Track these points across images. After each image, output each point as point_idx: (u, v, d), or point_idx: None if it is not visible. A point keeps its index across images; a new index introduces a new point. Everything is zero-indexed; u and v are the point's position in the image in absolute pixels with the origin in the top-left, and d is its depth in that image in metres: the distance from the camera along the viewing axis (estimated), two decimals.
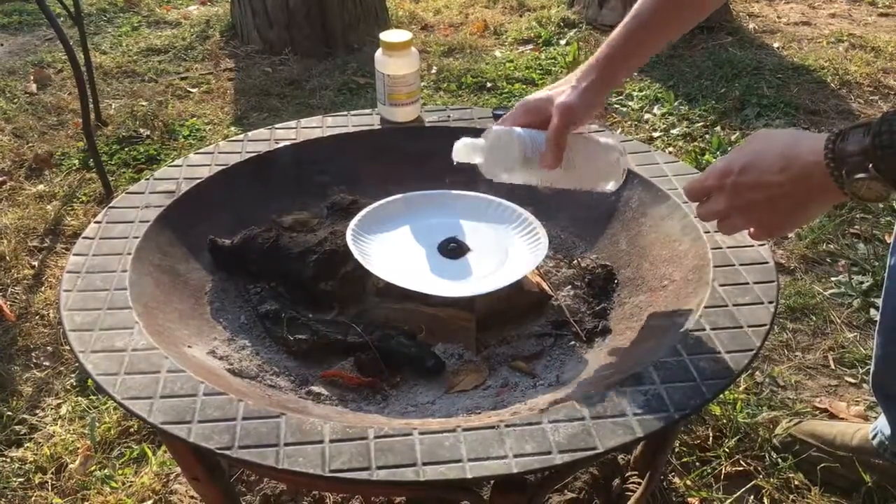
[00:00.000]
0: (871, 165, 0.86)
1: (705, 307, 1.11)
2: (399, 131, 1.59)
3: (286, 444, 0.92)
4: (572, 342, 1.22)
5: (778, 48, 3.63)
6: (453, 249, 1.29)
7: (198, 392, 0.99)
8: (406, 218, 1.36)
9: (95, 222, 1.31)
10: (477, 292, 1.20)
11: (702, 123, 2.99)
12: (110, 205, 1.35)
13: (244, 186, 1.46)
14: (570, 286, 1.32)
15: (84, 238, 1.28)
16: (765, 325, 1.08)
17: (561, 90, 1.18)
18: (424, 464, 0.89)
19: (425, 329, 1.22)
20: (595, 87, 1.17)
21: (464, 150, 1.18)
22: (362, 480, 0.88)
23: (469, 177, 1.52)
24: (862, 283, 2.14)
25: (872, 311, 2.05)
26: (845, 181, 0.88)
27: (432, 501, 1.39)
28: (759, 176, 0.95)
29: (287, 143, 1.53)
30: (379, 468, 0.89)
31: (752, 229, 1.02)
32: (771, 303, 1.12)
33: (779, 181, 0.94)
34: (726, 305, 1.12)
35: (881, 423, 1.54)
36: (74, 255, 1.24)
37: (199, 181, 1.41)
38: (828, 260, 2.26)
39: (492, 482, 0.96)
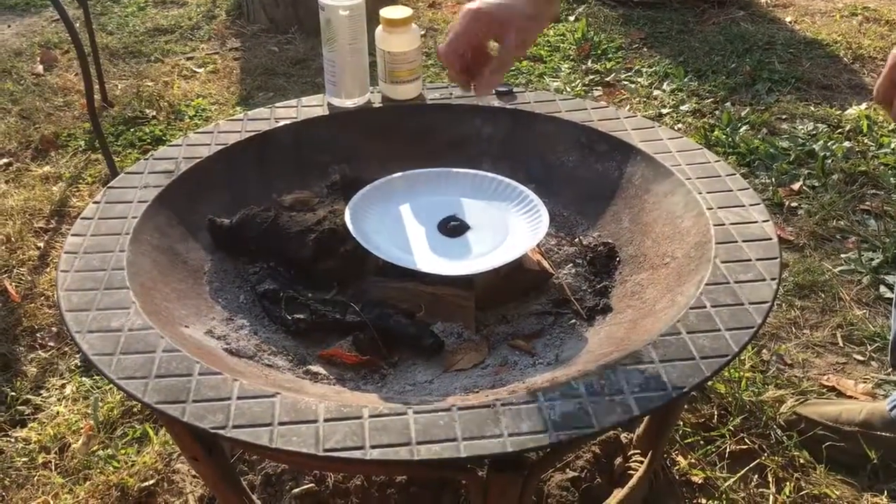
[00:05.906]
0: None
1: (707, 284, 1.10)
2: (400, 109, 1.57)
3: (280, 424, 0.91)
4: (573, 320, 1.21)
5: (790, 22, 3.58)
6: (453, 227, 1.28)
7: (193, 372, 0.99)
8: (406, 196, 1.35)
9: (94, 203, 1.30)
10: (476, 270, 1.19)
11: (712, 99, 2.96)
12: (109, 185, 1.35)
13: (244, 166, 1.45)
14: (571, 264, 1.31)
15: (82, 219, 1.27)
16: (767, 302, 1.07)
17: None
18: (419, 443, 0.88)
19: (424, 308, 1.21)
20: None
21: None
22: (356, 460, 0.88)
23: (470, 155, 1.51)
24: (872, 259, 2.11)
25: (882, 288, 2.03)
26: None
27: (432, 480, 1.39)
28: None
29: (287, 121, 1.52)
30: (373, 447, 0.88)
31: None
32: (773, 279, 1.11)
33: None
34: (728, 282, 1.10)
35: None
36: (73, 235, 1.23)
37: (198, 160, 1.40)
38: (837, 236, 2.23)
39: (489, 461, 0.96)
